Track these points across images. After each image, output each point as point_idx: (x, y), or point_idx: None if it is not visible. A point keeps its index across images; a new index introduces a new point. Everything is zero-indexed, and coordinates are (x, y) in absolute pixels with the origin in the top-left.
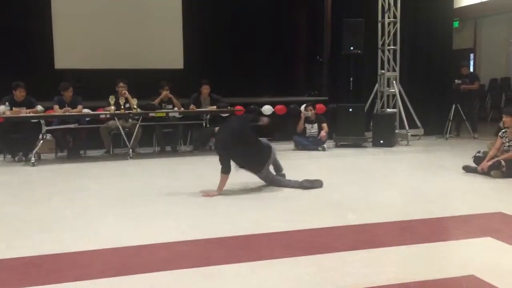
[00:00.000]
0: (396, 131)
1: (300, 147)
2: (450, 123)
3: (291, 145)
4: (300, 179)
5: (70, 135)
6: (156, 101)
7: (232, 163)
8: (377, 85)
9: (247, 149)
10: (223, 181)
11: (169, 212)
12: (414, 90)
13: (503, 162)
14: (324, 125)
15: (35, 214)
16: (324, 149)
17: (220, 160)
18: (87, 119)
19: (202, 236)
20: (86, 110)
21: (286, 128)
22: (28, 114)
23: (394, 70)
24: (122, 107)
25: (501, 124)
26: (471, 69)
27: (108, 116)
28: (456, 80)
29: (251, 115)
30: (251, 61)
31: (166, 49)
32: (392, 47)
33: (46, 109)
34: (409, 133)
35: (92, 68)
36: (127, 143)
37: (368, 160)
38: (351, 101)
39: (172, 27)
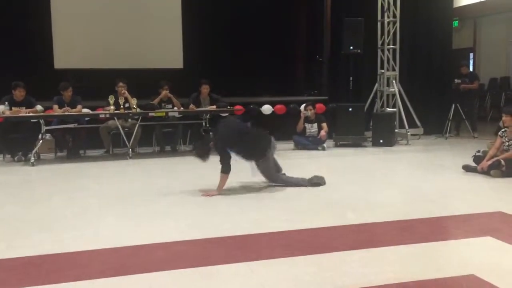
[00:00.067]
0: (396, 130)
1: (300, 146)
2: (449, 123)
3: (290, 144)
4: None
5: (69, 135)
6: (156, 101)
7: (235, 157)
8: (376, 84)
9: (246, 142)
10: (223, 181)
11: (168, 212)
12: (413, 90)
13: (502, 162)
14: (324, 125)
15: (35, 214)
16: (324, 149)
17: (220, 160)
18: (86, 118)
19: (202, 236)
20: (85, 110)
21: (286, 127)
22: (27, 114)
23: (393, 70)
24: (122, 106)
25: (500, 124)
26: (471, 69)
27: (107, 115)
28: (455, 80)
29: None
30: (251, 61)
31: (166, 49)
32: (391, 46)
33: (46, 109)
34: (408, 133)
35: (92, 68)
36: (127, 142)
37: (367, 159)
38: (351, 101)
39: (171, 27)
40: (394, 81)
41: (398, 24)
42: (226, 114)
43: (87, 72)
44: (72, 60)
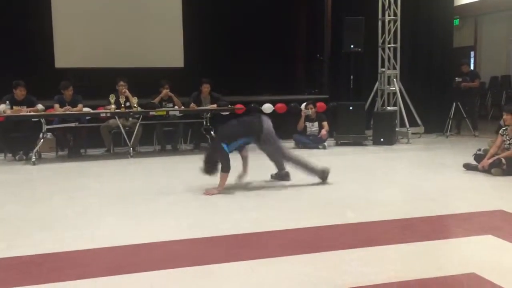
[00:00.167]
0: (397, 129)
1: (300, 145)
2: (450, 121)
3: (291, 143)
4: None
5: (70, 134)
6: (157, 100)
7: (239, 149)
8: (377, 83)
9: (241, 124)
10: (223, 180)
11: (169, 210)
12: (414, 88)
13: (503, 160)
14: (325, 124)
15: (36, 213)
16: (324, 148)
17: (220, 159)
18: (87, 118)
19: (202, 235)
20: (86, 109)
21: (287, 126)
22: (28, 113)
23: (394, 68)
24: (123, 105)
25: (501, 122)
26: (472, 67)
27: (108, 115)
28: (456, 78)
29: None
30: (252, 60)
31: (167, 48)
32: (392, 45)
33: (47, 108)
34: (409, 131)
35: (93, 67)
36: (128, 141)
37: (368, 158)
38: (351, 99)
39: (172, 26)
40: (394, 79)
41: (398, 23)
42: (227, 113)
43: (87, 71)
44: (73, 59)
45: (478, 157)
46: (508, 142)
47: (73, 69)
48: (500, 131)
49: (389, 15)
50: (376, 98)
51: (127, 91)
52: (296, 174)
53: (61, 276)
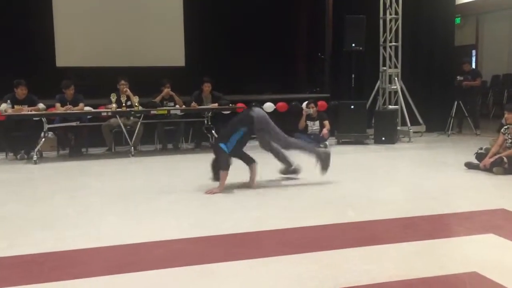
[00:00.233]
0: (398, 128)
1: None
2: (452, 120)
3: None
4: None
5: (71, 133)
6: (158, 99)
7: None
8: (378, 82)
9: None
10: (223, 178)
11: (170, 209)
12: (416, 87)
13: (505, 159)
14: (326, 123)
15: (37, 212)
16: (326, 146)
17: (219, 157)
18: (88, 117)
19: (203, 234)
20: (87, 108)
21: (288, 125)
22: (29, 112)
23: (395, 67)
24: (124, 104)
25: (503, 121)
26: (473, 66)
27: (109, 114)
28: (458, 77)
29: None
30: (253, 59)
31: (168, 47)
32: (393, 43)
33: (48, 107)
34: (411, 130)
35: (94, 66)
36: (129, 140)
37: (369, 157)
38: (353, 98)
39: (173, 25)
40: (396, 78)
41: (400, 21)
42: (228, 112)
43: (89, 70)
44: (74, 58)
45: (480, 156)
46: (509, 140)
47: (74, 68)
48: (502, 130)
49: (390, 14)
50: (377, 97)
51: (128, 90)
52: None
53: (62, 275)
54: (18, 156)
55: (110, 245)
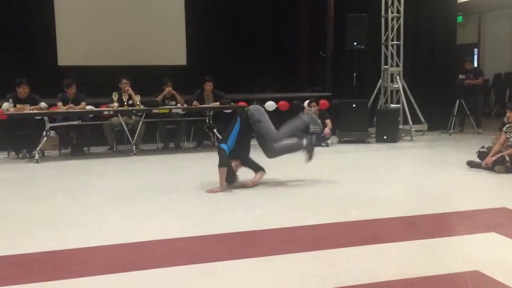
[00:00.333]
0: (400, 126)
1: None
2: (454, 118)
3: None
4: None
5: (73, 132)
6: (159, 98)
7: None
8: (380, 80)
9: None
10: (221, 175)
11: (172, 208)
12: (417, 86)
13: (507, 157)
14: (328, 122)
15: (39, 211)
16: (327, 145)
17: (219, 155)
18: (90, 116)
19: (205, 233)
20: (89, 107)
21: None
22: (31, 111)
23: (397, 66)
24: (126, 103)
25: (505, 119)
26: (475, 64)
27: (111, 112)
28: (460, 75)
29: None
30: (254, 57)
31: (169, 46)
32: (395, 42)
33: (50, 106)
34: (412, 129)
35: (96, 65)
36: (131, 139)
37: (371, 156)
38: (354, 97)
39: (175, 24)
40: (398, 77)
41: (402, 20)
42: (230, 111)
43: (90, 69)
44: (76, 57)
45: (482, 155)
46: (511, 139)
47: (76, 67)
48: (504, 129)
49: (392, 12)
50: (379, 96)
51: (130, 89)
52: (298, 173)
53: (64, 274)
54: (20, 155)
55: (112, 243)
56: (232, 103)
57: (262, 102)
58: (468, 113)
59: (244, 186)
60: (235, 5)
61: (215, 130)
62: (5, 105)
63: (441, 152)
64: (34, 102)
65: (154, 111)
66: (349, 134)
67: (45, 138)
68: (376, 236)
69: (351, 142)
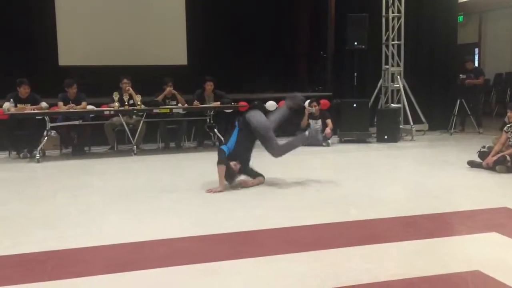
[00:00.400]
0: (401, 126)
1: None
2: (454, 118)
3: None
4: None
5: (74, 131)
6: (160, 97)
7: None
8: (381, 80)
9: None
10: (221, 174)
11: (172, 208)
12: (418, 85)
13: (508, 157)
14: (329, 121)
15: (40, 211)
16: (328, 145)
17: (217, 155)
18: (91, 115)
19: (205, 233)
20: (90, 107)
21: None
22: (32, 111)
23: (398, 65)
24: (126, 103)
25: (506, 119)
26: (476, 64)
27: (112, 112)
28: (460, 75)
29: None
30: (255, 57)
31: (170, 46)
32: (396, 42)
33: (51, 105)
34: (413, 128)
35: (96, 65)
36: (131, 139)
37: (372, 155)
38: (355, 97)
39: (175, 24)
40: (398, 76)
41: (402, 20)
42: (230, 111)
43: (91, 69)
44: (77, 57)
45: (482, 154)
46: None
47: (76, 67)
48: (505, 128)
49: (393, 12)
50: (380, 95)
51: (130, 88)
52: (299, 173)
53: (64, 274)
54: (21, 155)
55: (112, 243)
56: (232, 103)
57: (263, 101)
58: (469, 112)
59: (244, 185)
60: (235, 5)
61: (215, 130)
62: (6, 105)
63: (442, 152)
64: (35, 102)
65: (155, 111)
66: (350, 134)
67: (46, 138)
68: (376, 236)
69: (352, 142)
